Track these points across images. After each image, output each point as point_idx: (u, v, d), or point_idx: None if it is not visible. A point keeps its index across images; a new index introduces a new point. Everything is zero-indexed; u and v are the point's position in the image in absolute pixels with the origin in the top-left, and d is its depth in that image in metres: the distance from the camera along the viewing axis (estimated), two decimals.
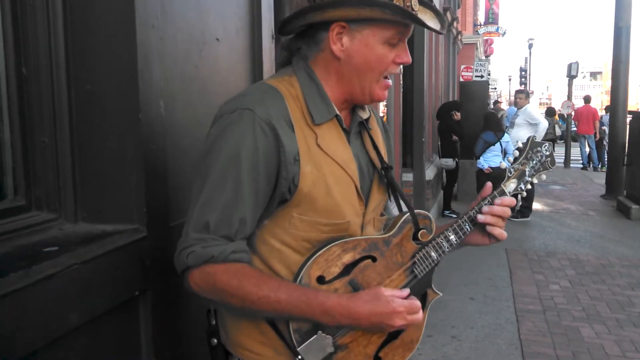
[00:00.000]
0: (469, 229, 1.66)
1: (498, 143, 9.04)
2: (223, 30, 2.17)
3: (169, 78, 1.77)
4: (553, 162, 1.80)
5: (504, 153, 9.11)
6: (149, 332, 1.68)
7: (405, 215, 1.58)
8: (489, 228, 1.65)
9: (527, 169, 1.76)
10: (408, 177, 8.73)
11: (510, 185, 1.72)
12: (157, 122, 1.71)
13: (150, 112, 1.67)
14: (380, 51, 1.47)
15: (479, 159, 9.27)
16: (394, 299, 1.39)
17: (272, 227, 1.47)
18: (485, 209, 1.65)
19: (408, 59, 1.52)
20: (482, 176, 9.12)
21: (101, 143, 1.65)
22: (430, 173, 9.49)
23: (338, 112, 1.51)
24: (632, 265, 7.19)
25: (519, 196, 1.78)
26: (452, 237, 1.63)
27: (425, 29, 9.06)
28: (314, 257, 1.43)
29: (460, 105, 11.34)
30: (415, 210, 1.60)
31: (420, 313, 1.45)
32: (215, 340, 1.57)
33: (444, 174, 11.15)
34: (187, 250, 1.38)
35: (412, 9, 1.44)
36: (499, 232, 1.65)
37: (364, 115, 1.61)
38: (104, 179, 1.65)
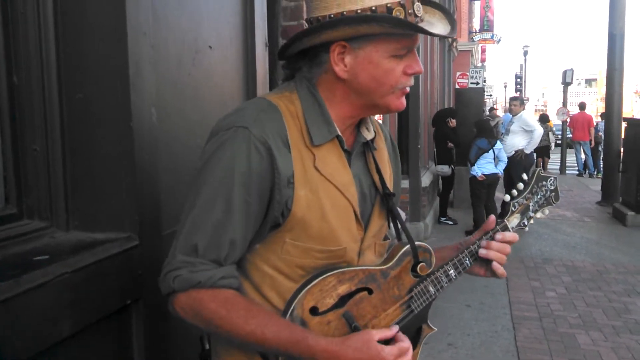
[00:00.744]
0: (468, 264, 1.62)
1: (491, 150, 9.05)
2: (216, 38, 2.17)
3: (161, 86, 1.77)
4: (557, 198, 1.76)
5: (496, 160, 9.12)
6: (141, 341, 1.67)
7: (405, 247, 1.52)
8: (493, 265, 1.61)
9: (531, 204, 1.71)
10: (404, 184, 8.73)
11: (514, 221, 1.68)
12: (149, 130, 1.70)
13: (142, 120, 1.66)
14: (386, 65, 1.39)
15: (473, 165, 9.28)
16: (385, 349, 1.30)
17: (264, 252, 1.41)
18: (483, 243, 1.62)
19: (419, 68, 1.44)
20: (475, 183, 9.13)
21: (93, 151, 1.64)
22: (426, 180, 9.49)
23: (339, 133, 1.44)
24: (628, 272, 7.20)
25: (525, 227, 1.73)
26: (451, 272, 1.58)
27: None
28: (309, 286, 1.36)
29: (456, 112, 11.36)
30: (416, 243, 1.53)
31: (410, 353, 1.37)
32: None
33: (440, 181, 11.15)
34: (173, 273, 1.32)
35: (416, 15, 1.37)
36: (501, 271, 1.62)
37: (368, 136, 1.53)
38: (96, 187, 1.64)
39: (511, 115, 10.63)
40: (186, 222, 1.35)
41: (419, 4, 1.39)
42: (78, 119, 1.63)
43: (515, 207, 1.69)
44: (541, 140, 18.10)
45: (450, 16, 1.49)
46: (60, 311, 1.36)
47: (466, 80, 18.24)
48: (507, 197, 1.69)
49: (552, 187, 1.75)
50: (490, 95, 30.79)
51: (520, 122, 10.09)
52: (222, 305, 1.30)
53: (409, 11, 1.36)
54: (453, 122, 10.62)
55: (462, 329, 5.27)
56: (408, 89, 1.47)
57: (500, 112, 27.82)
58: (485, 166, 9.03)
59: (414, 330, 1.54)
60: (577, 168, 19.01)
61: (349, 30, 1.34)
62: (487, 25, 31.23)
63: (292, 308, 1.34)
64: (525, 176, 1.73)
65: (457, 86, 17.67)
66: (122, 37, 1.59)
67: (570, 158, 19.71)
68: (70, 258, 1.44)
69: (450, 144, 10.42)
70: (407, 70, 1.42)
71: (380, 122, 1.69)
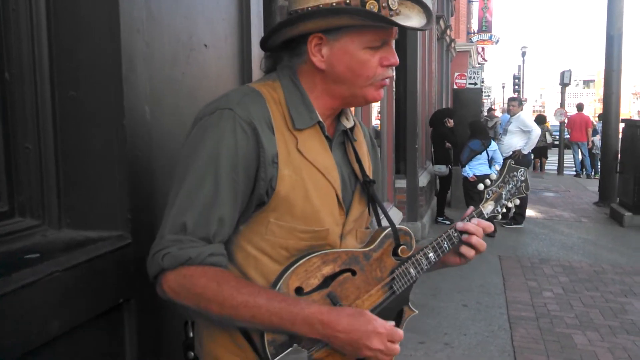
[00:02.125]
0: (447, 247, 1.67)
1: (485, 151, 9.04)
2: (211, 36, 2.16)
3: (155, 84, 1.76)
4: (527, 188, 1.85)
5: (492, 161, 9.12)
6: (133, 340, 1.66)
7: (387, 230, 1.57)
8: (462, 249, 1.67)
9: (503, 192, 1.79)
10: (401, 184, 8.74)
11: (488, 207, 1.76)
12: (143, 128, 1.69)
13: (135, 118, 1.65)
14: (362, 57, 1.44)
15: (464, 167, 9.29)
16: (377, 319, 1.35)
17: (248, 234, 1.44)
18: (460, 224, 1.68)
19: (395, 60, 1.48)
20: (468, 183, 9.13)
21: (85, 149, 1.63)
22: (423, 180, 9.49)
23: (321, 119, 1.49)
24: (625, 273, 7.20)
25: (511, 210, 1.82)
26: (431, 254, 1.64)
27: (418, 33, 9.04)
28: (293, 267, 1.39)
29: (454, 112, 11.37)
30: (397, 226, 1.59)
31: (398, 348, 1.39)
32: (192, 354, 1.52)
33: (437, 181, 11.15)
34: (162, 252, 1.34)
35: (390, 9, 1.41)
36: (472, 254, 1.67)
37: (348, 124, 1.59)
38: (88, 185, 1.63)
39: (509, 116, 10.64)
40: (174, 204, 1.37)
41: None
42: (70, 116, 1.62)
43: (489, 195, 1.77)
44: (538, 141, 18.16)
45: (427, 10, 1.53)
46: (51, 310, 1.35)
47: (464, 81, 18.25)
48: (482, 186, 1.78)
49: (523, 178, 1.84)
50: (489, 95, 30.76)
51: (518, 122, 10.11)
52: (213, 279, 1.33)
53: (383, 4, 1.40)
54: (451, 122, 10.63)
55: (458, 329, 5.26)
56: (387, 81, 1.51)
57: (498, 113, 27.83)
58: (478, 167, 9.04)
59: (396, 313, 1.59)
60: (574, 169, 19.02)
61: (322, 22, 1.41)
62: (485, 26, 31.27)
63: (277, 288, 1.37)
64: (497, 167, 1.83)
65: (455, 86, 17.67)
66: (115, 34, 1.58)
67: (568, 159, 19.73)
68: (61, 256, 1.43)
69: (448, 144, 10.42)
70: (383, 61, 1.46)
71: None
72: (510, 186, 1.81)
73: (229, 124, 1.36)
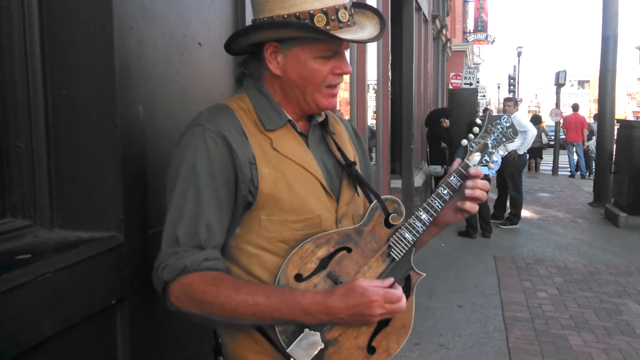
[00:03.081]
0: (439, 206, 1.64)
1: None
2: (206, 35, 2.14)
3: (148, 82, 1.74)
4: (515, 132, 1.81)
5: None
6: (126, 342, 1.65)
7: (373, 203, 1.61)
8: (467, 192, 1.64)
9: (489, 142, 1.77)
10: (397, 183, 8.74)
11: (474, 158, 1.73)
12: (136, 127, 1.68)
13: (128, 117, 1.63)
14: (312, 66, 1.51)
15: None
16: (368, 289, 1.39)
17: (245, 234, 1.50)
18: (469, 183, 1.66)
19: (347, 69, 1.56)
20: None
21: (78, 148, 1.61)
22: (419, 180, 9.50)
23: (290, 118, 1.57)
24: (620, 273, 7.20)
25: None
26: (423, 216, 1.62)
27: (414, 32, 9.01)
28: (289, 256, 1.46)
29: (449, 112, 11.36)
30: (383, 196, 1.62)
31: (403, 300, 1.46)
32: (222, 358, 1.59)
33: (433, 181, 11.15)
34: (161, 266, 1.42)
35: (339, 21, 1.48)
36: (469, 205, 1.65)
37: (319, 118, 1.65)
38: (81, 185, 1.62)
39: None
40: (166, 222, 1.46)
41: (346, 11, 1.50)
42: (63, 115, 1.61)
43: (472, 147, 1.75)
44: (534, 141, 18.16)
45: (382, 21, 1.60)
46: (42, 311, 1.34)
47: (460, 81, 18.28)
48: (465, 142, 1.76)
49: (508, 124, 1.81)
50: (484, 96, 30.84)
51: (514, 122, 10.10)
52: (211, 283, 1.40)
53: (332, 17, 1.48)
54: (447, 122, 10.62)
55: (453, 330, 5.25)
56: (337, 90, 1.59)
57: (494, 113, 27.83)
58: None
59: (403, 279, 1.61)
60: (569, 169, 19.06)
61: (272, 33, 1.50)
62: (481, 26, 31.30)
63: (277, 279, 1.45)
64: (478, 120, 1.80)
65: (450, 86, 17.70)
66: (108, 33, 1.57)
67: (563, 159, 19.77)
68: (53, 257, 1.42)
69: (444, 144, 10.42)
70: (335, 70, 1.54)
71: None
72: (496, 135, 1.79)
73: (199, 139, 1.45)
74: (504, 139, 1.80)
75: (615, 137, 11.83)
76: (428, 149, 11.10)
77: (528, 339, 5.10)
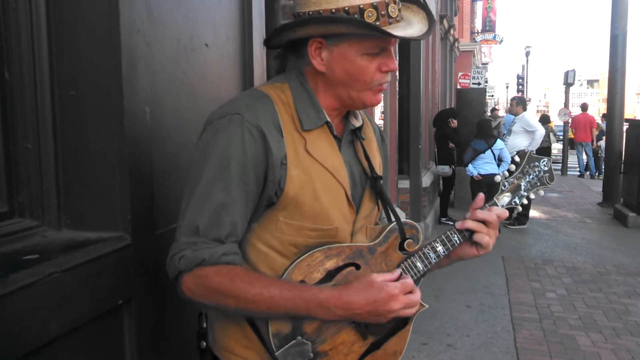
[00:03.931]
0: (457, 241, 1.62)
1: (489, 150, 9.01)
2: (213, 36, 2.15)
3: (155, 84, 1.75)
4: (552, 178, 1.76)
5: (499, 160, 9.08)
6: (133, 342, 1.65)
7: (392, 224, 1.57)
8: (475, 236, 1.61)
9: (522, 183, 1.72)
10: (404, 184, 8.72)
11: (504, 199, 1.69)
12: (143, 128, 1.68)
13: (135, 118, 1.64)
14: (360, 63, 1.45)
15: (467, 166, 9.26)
16: (388, 284, 1.39)
17: (260, 231, 1.47)
18: (468, 215, 1.63)
19: (394, 66, 1.50)
20: (474, 183, 9.11)
21: (85, 149, 1.62)
22: (426, 180, 9.47)
23: (329, 119, 1.51)
24: (629, 273, 7.17)
25: (515, 210, 1.75)
26: (439, 248, 1.60)
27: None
28: (296, 261, 1.43)
29: (457, 112, 11.34)
30: (403, 220, 1.58)
31: (418, 293, 1.45)
32: (204, 343, 1.57)
33: (441, 181, 11.13)
34: (178, 255, 1.38)
35: (389, 16, 1.42)
36: (485, 240, 1.60)
37: (357, 123, 1.60)
38: (88, 186, 1.62)
39: (513, 116, 10.60)
40: (187, 208, 1.41)
41: (395, 5, 1.44)
42: (70, 116, 1.61)
43: (505, 186, 1.71)
44: (542, 141, 18.08)
45: (431, 17, 1.54)
46: (50, 311, 1.34)
47: (468, 81, 18.22)
48: (498, 178, 1.73)
49: (546, 168, 1.76)
50: (492, 95, 30.76)
51: (522, 122, 10.08)
52: (227, 276, 1.37)
53: (382, 12, 1.41)
54: (454, 123, 10.60)
55: (461, 330, 5.24)
56: (385, 86, 1.53)
57: (502, 113, 27.78)
58: (483, 166, 9.01)
59: None
60: (578, 169, 18.97)
61: (320, 29, 1.43)
62: (489, 26, 31.22)
63: None
64: (517, 158, 1.76)
65: (458, 86, 17.65)
66: (115, 34, 1.57)
67: (572, 159, 19.68)
68: (60, 257, 1.42)
69: (452, 144, 10.40)
70: (382, 67, 1.48)
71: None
72: (531, 177, 1.73)
73: (237, 129, 1.39)
74: (538, 184, 1.74)
75: (625, 137, 11.77)
76: (436, 149, 11.09)
77: (536, 339, 5.09)
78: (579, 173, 18.76)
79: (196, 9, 2.02)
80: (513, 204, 1.71)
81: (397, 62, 1.50)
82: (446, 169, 10.42)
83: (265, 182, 1.42)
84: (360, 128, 1.61)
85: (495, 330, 5.27)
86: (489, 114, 19.75)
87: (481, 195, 1.67)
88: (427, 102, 11.11)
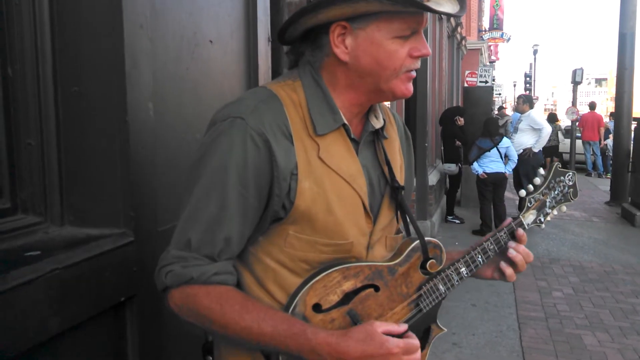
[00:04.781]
0: (481, 262, 1.54)
1: (495, 149, 8.97)
2: (217, 32, 2.14)
3: (158, 80, 1.74)
4: (576, 194, 1.69)
5: (506, 158, 9.05)
6: (135, 338, 1.65)
7: (415, 243, 1.45)
8: (502, 265, 1.55)
9: (548, 200, 1.64)
10: None
11: (530, 217, 1.61)
12: (146, 124, 1.68)
13: (138, 114, 1.63)
14: (390, 47, 1.30)
15: (472, 164, 9.24)
16: (389, 340, 1.21)
17: (267, 245, 1.35)
18: (512, 244, 1.56)
19: (427, 50, 1.35)
20: (480, 181, 9.08)
21: (88, 145, 1.61)
22: (433, 178, 9.45)
23: (346, 121, 1.37)
24: (636, 273, 7.13)
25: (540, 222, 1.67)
26: (462, 269, 1.51)
27: (428, 30, 8.91)
28: (311, 282, 1.29)
29: (464, 110, 11.30)
30: (426, 239, 1.46)
31: (419, 353, 1.27)
32: (211, 358, 1.48)
33: (447, 180, 11.11)
34: (166, 268, 1.28)
35: None
36: (510, 272, 1.56)
37: (377, 124, 1.45)
38: (91, 182, 1.62)
39: (519, 114, 10.56)
40: (182, 217, 1.30)
41: None
42: (73, 112, 1.61)
43: (531, 203, 1.62)
44: (550, 140, 18.01)
45: None
46: (50, 308, 1.34)
47: (475, 79, 18.18)
48: (523, 193, 1.63)
49: (571, 183, 1.68)
50: (500, 94, 30.64)
51: (528, 120, 10.03)
52: (216, 300, 1.25)
53: None
54: (461, 121, 10.56)
55: (467, 329, 5.23)
56: (414, 74, 1.38)
57: (509, 111, 27.70)
58: (489, 165, 8.97)
59: (423, 330, 1.48)
60: (586, 168, 18.89)
61: (347, 8, 1.27)
62: (496, 24, 31.07)
63: (294, 304, 1.28)
64: (542, 170, 1.67)
65: (465, 84, 17.60)
66: (118, 30, 1.57)
67: (579, 158, 19.59)
68: (61, 254, 1.42)
69: (458, 143, 10.37)
70: (413, 52, 1.33)
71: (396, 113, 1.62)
72: (556, 192, 1.66)
73: (239, 135, 1.26)
74: (562, 200, 1.67)
75: (633, 136, 11.71)
76: (442, 147, 11.06)
77: (542, 339, 5.06)
78: (586, 172, 18.67)
79: (200, 5, 2.01)
80: (538, 222, 1.63)
81: (429, 48, 1.38)
82: (453, 167, 10.40)
83: (270, 196, 1.30)
84: (381, 128, 1.47)
85: (501, 329, 5.25)
86: (496, 112, 19.68)
87: (509, 220, 1.60)
88: (434, 101, 11.08)
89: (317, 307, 1.29)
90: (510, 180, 9.83)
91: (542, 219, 1.64)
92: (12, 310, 1.24)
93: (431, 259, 1.45)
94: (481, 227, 8.97)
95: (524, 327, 5.30)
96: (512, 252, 1.55)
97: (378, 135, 1.47)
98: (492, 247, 1.55)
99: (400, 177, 1.52)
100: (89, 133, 1.61)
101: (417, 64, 1.36)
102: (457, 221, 10.10)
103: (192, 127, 1.90)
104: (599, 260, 7.77)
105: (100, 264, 1.51)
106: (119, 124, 1.60)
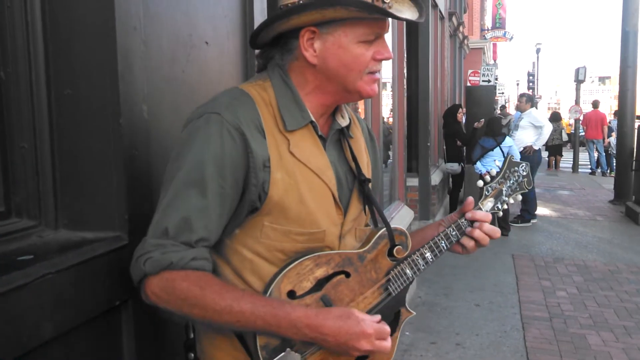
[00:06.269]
0: (445, 247, 1.66)
1: (498, 148, 8.95)
2: (213, 34, 2.13)
3: (153, 82, 1.73)
4: (530, 183, 1.82)
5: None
6: (131, 343, 1.63)
7: (381, 231, 1.55)
8: (463, 240, 1.69)
9: (504, 189, 1.77)
10: (413, 182, 8.68)
11: (487, 204, 1.74)
12: (140, 127, 1.66)
13: (132, 117, 1.62)
14: (356, 51, 1.41)
15: (474, 164, 9.22)
16: (365, 320, 1.32)
17: (243, 237, 1.42)
18: (476, 224, 1.68)
19: (389, 54, 1.47)
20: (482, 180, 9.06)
21: (82, 148, 1.60)
22: (435, 178, 9.43)
23: (313, 119, 1.47)
24: None
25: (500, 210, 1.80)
26: (428, 254, 1.62)
27: (430, 30, 8.97)
28: (285, 270, 1.37)
29: (459, 105, 11.29)
30: (392, 226, 1.56)
31: (389, 341, 1.37)
32: (193, 355, 1.53)
33: (450, 179, 11.08)
34: (144, 256, 1.33)
35: (383, 2, 1.37)
36: (486, 241, 1.69)
37: (343, 122, 1.56)
38: (85, 185, 1.61)
39: (520, 112, 10.54)
40: (159, 209, 1.37)
41: None
42: (67, 115, 1.60)
43: (488, 192, 1.75)
44: (554, 139, 17.98)
45: (417, 3, 1.50)
46: (43, 313, 1.32)
47: (478, 78, 18.15)
48: (481, 183, 1.76)
49: (524, 173, 1.81)
50: (502, 93, 30.58)
51: (529, 117, 10.02)
52: (195, 283, 1.31)
53: None
54: (460, 116, 10.54)
55: (470, 329, 5.21)
56: (378, 75, 1.49)
57: (512, 110, 27.64)
58: (492, 164, 8.95)
59: (393, 314, 1.57)
60: (589, 166, 18.84)
61: (316, 14, 1.37)
62: (499, 23, 31.03)
63: (269, 292, 1.35)
64: (498, 162, 1.81)
65: (468, 84, 17.57)
66: (110, 32, 1.55)
67: (583, 156, 19.55)
68: (54, 258, 1.40)
69: (459, 143, 10.35)
70: (377, 55, 1.44)
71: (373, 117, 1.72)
72: (512, 182, 1.79)
73: (215, 129, 1.35)
74: (518, 189, 1.80)
75: (636, 134, 11.68)
76: (445, 147, 11.04)
77: (546, 339, 5.04)
78: (590, 170, 18.63)
79: (195, 6, 1.99)
80: (496, 209, 1.75)
81: (391, 52, 1.50)
82: (455, 167, 10.38)
83: (247, 186, 1.37)
84: (347, 127, 1.58)
85: (505, 330, 5.22)
86: (498, 111, 19.64)
87: (470, 199, 1.71)
88: (436, 100, 11.06)
89: (291, 294, 1.36)
90: None
91: (500, 207, 1.77)
92: (4, 315, 1.22)
93: (397, 245, 1.56)
94: None
95: (528, 327, 5.28)
96: (469, 229, 1.68)
97: (344, 134, 1.57)
98: (454, 232, 1.68)
99: (368, 173, 1.63)
100: (83, 136, 1.60)
101: (380, 66, 1.48)
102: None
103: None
104: (603, 259, 7.74)
105: (95, 268, 1.49)
106: (113, 127, 1.58)
